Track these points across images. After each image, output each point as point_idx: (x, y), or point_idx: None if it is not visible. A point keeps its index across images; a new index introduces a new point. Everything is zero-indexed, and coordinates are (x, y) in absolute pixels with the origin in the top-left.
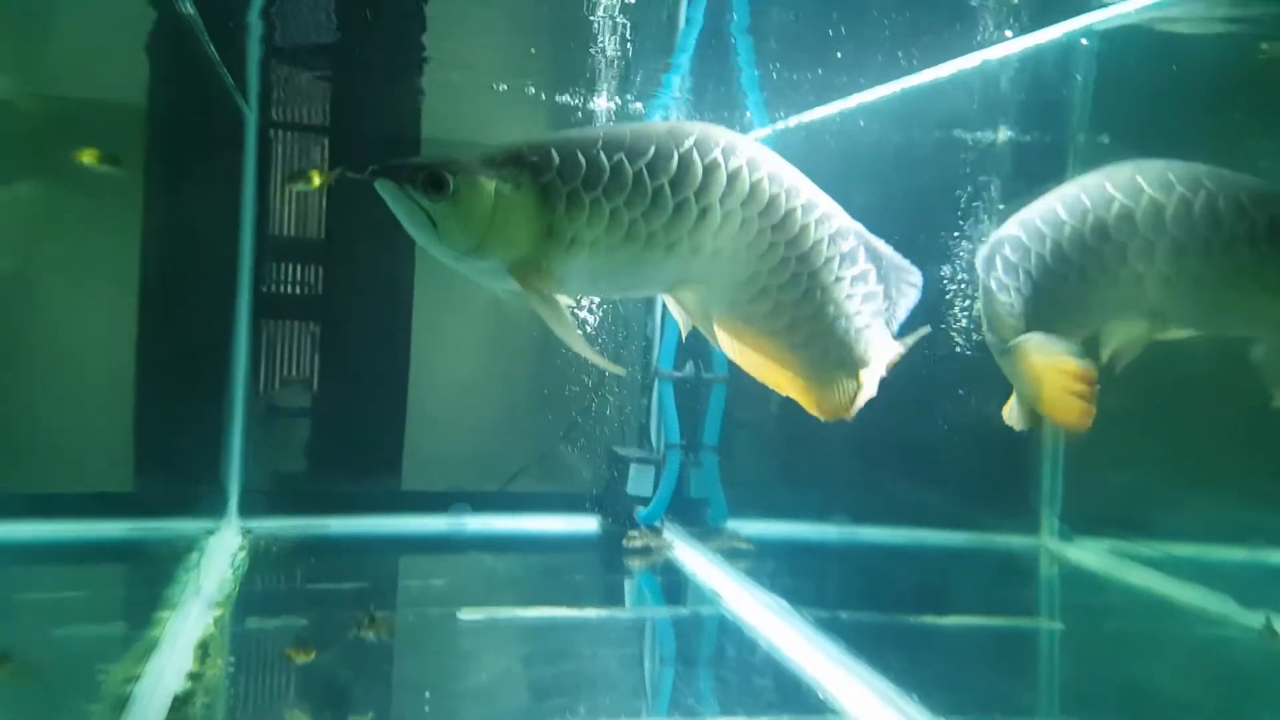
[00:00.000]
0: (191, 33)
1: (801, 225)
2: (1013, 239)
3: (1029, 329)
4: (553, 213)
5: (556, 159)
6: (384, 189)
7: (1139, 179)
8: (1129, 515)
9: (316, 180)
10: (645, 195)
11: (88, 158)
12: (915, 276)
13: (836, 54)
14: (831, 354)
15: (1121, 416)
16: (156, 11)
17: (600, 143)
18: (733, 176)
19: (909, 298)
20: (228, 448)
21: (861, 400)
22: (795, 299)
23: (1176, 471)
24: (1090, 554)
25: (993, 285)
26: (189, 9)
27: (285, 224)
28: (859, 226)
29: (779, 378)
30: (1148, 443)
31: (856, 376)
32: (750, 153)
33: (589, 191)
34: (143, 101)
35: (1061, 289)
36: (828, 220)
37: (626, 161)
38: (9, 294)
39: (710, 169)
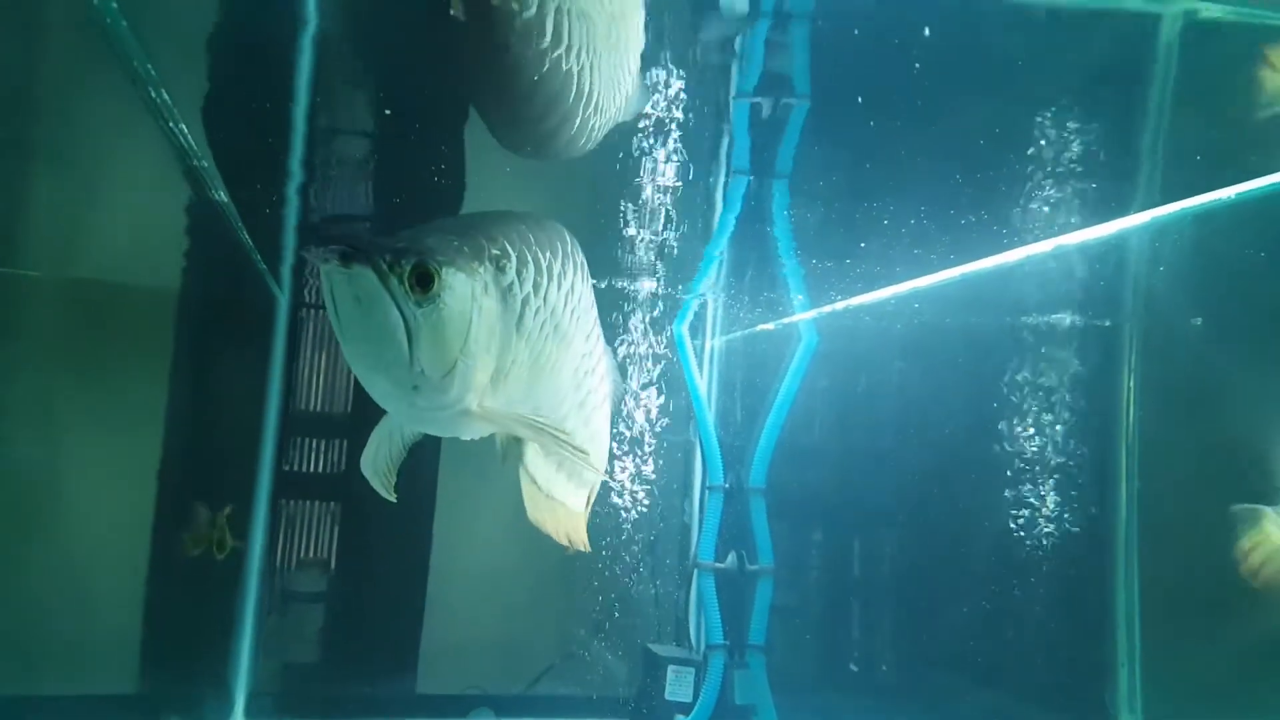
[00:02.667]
0: (226, 220)
1: (594, 341)
2: None
3: None
4: (503, 325)
5: (513, 255)
6: (356, 283)
7: None
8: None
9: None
10: (569, 300)
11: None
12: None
13: (860, 245)
14: (568, 469)
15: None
16: (191, 197)
17: (534, 240)
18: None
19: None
20: (237, 642)
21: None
22: (558, 420)
23: None
24: None
25: None
26: (223, 197)
27: (311, 400)
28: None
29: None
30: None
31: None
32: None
33: (536, 297)
34: (174, 286)
35: None
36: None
37: (555, 261)
38: (28, 481)
39: (581, 266)
